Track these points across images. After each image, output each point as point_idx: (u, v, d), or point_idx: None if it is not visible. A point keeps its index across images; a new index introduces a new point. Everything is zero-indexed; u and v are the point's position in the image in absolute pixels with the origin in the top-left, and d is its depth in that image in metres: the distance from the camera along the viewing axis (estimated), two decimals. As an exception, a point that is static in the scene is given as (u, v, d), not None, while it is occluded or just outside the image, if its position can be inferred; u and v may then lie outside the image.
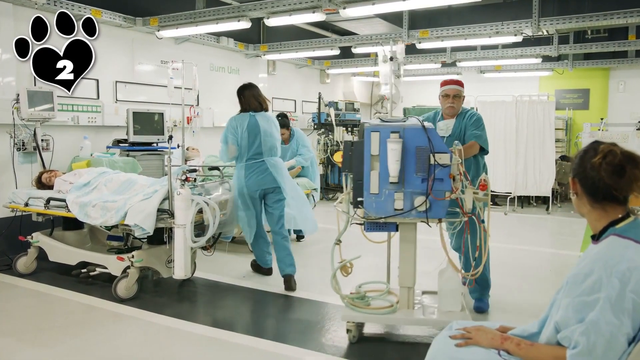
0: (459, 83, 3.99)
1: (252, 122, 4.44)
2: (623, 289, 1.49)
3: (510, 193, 8.69)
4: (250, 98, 4.50)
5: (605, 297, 1.50)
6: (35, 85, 5.13)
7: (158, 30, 6.55)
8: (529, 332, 1.76)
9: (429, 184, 2.76)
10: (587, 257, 1.66)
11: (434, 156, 2.77)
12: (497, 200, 9.21)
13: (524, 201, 9.20)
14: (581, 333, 1.50)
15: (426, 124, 2.85)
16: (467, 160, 3.79)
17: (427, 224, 2.87)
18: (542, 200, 9.25)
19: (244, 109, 4.51)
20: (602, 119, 9.54)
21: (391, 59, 3.63)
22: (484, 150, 3.93)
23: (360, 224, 2.98)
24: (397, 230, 2.98)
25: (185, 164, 5.63)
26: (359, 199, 2.87)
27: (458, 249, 4.06)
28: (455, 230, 3.19)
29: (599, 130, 8.68)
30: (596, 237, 1.70)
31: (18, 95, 4.93)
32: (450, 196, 2.79)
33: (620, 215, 1.65)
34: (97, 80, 6.13)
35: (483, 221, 2.96)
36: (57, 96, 5.15)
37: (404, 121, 2.95)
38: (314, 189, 6.18)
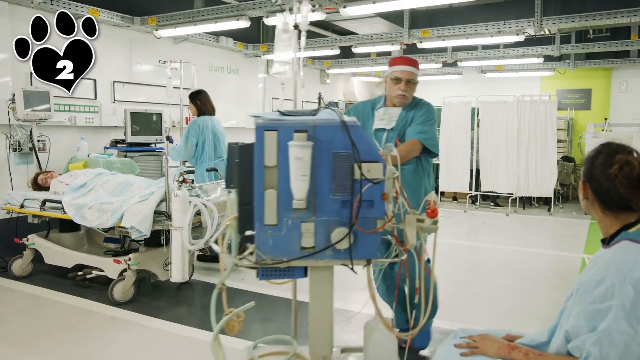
0: (415, 64, 3.06)
1: (212, 125, 4.93)
2: (637, 297, 1.43)
3: (512, 194, 8.63)
4: (206, 102, 4.98)
5: (618, 305, 1.43)
6: (31, 85, 5.08)
7: (156, 30, 6.49)
8: (538, 342, 1.69)
9: (353, 210, 1.82)
10: (598, 262, 1.59)
11: (359, 167, 1.82)
12: (498, 201, 9.16)
13: (526, 202, 9.15)
14: (593, 343, 1.43)
15: (348, 118, 1.89)
16: (409, 168, 3.02)
17: (351, 268, 1.91)
18: (543, 201, 9.20)
19: (202, 113, 4.94)
20: (605, 119, 9.49)
21: (295, 27, 2.54)
22: (430, 153, 3.07)
23: (252, 268, 1.95)
24: (305, 275, 2.05)
25: (184, 165, 5.57)
26: (248, 232, 1.90)
27: (385, 294, 3.14)
28: (381, 267, 2.37)
29: (603, 130, 8.63)
30: (607, 241, 1.63)
31: (14, 95, 4.87)
32: (384, 226, 1.86)
33: (632, 220, 1.59)
34: (95, 80, 6.07)
35: (428, 261, 2.01)
36: (54, 96, 5.10)
37: (315, 114, 1.99)
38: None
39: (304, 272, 2.02)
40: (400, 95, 3.02)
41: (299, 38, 2.48)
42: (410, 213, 1.93)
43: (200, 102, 4.98)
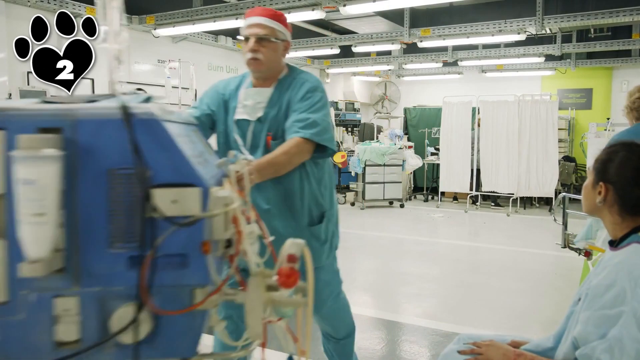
0: (272, 14, 2.06)
1: None
2: (649, 302, 1.38)
3: (513, 194, 8.58)
4: None
5: (629, 311, 1.38)
6: (28, 84, 5.04)
7: (155, 29, 6.46)
8: (544, 347, 1.64)
9: (143, 274, 0.99)
10: (607, 266, 1.54)
11: (150, 197, 0.99)
12: (499, 201, 9.11)
13: (527, 202, 9.10)
14: (603, 350, 1.38)
15: (146, 106, 1.05)
16: (284, 178, 2.02)
17: None
18: (545, 201, 9.16)
19: None
20: (608, 118, 9.45)
21: None
22: (325, 151, 2.08)
23: None
24: None
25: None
26: None
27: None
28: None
29: (606, 130, 8.59)
30: (615, 244, 1.58)
31: (10, 94, 4.84)
32: (205, 301, 1.05)
33: (642, 223, 1.54)
34: (93, 80, 6.02)
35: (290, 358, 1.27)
36: (51, 95, 5.06)
37: (93, 100, 1.11)
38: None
39: None
40: (251, 59, 2.03)
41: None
42: (255, 274, 1.10)
43: None
